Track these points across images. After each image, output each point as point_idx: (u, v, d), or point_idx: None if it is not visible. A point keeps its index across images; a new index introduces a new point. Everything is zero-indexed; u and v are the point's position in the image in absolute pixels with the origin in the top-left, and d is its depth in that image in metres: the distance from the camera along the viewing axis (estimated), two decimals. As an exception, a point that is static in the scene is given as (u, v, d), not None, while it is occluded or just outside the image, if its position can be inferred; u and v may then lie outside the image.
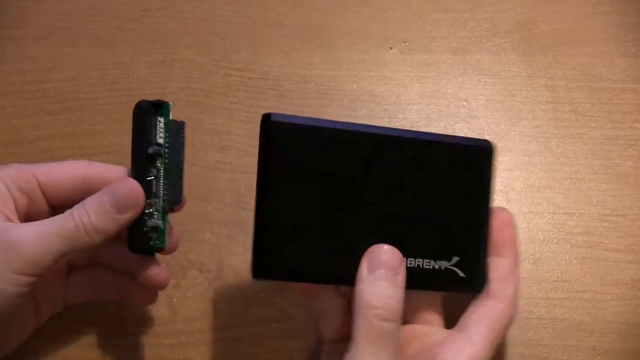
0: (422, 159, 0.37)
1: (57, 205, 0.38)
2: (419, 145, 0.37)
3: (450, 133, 0.50)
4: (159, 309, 0.44)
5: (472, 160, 0.39)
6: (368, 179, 0.36)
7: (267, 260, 0.35)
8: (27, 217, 0.38)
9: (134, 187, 0.36)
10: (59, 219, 0.35)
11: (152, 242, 0.37)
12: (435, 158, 0.38)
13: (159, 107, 0.37)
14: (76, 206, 0.35)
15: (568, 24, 0.52)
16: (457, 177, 0.38)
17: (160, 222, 0.37)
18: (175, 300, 0.45)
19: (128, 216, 0.36)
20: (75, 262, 0.41)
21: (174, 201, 0.37)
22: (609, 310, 0.45)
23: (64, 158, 0.48)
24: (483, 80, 0.51)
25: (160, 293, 0.42)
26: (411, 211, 0.37)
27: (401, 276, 0.34)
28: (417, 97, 0.51)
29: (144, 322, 0.44)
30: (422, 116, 0.51)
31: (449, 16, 0.53)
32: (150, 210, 0.37)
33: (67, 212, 0.35)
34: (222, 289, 0.45)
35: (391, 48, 0.53)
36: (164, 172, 0.37)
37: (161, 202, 0.37)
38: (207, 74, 0.52)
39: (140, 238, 0.37)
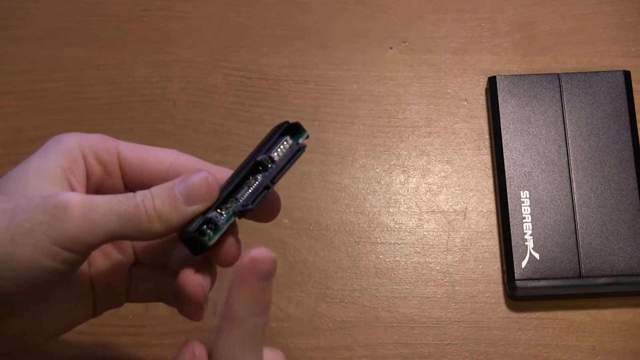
0: None
1: (133, 189, 0.34)
2: None
3: (450, 133, 0.50)
4: (159, 309, 0.44)
5: None
6: None
7: None
8: (99, 191, 0.34)
9: (210, 179, 0.32)
10: (118, 195, 0.31)
11: (203, 237, 0.33)
12: None
13: (297, 130, 0.35)
14: (141, 190, 0.32)
15: (568, 24, 0.52)
16: None
17: (222, 219, 0.33)
18: (175, 300, 0.44)
19: (196, 209, 0.32)
20: (141, 256, 0.37)
21: (246, 204, 0.33)
22: (609, 310, 0.45)
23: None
24: (483, 80, 0.51)
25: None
26: None
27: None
28: (417, 97, 0.51)
29: (144, 322, 0.44)
30: (422, 116, 0.51)
31: (449, 16, 0.53)
32: (219, 208, 0.33)
33: (130, 193, 0.31)
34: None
35: (391, 48, 0.52)
36: (257, 184, 0.34)
37: (234, 206, 0.34)
38: (207, 74, 0.52)
39: (195, 228, 0.32)
